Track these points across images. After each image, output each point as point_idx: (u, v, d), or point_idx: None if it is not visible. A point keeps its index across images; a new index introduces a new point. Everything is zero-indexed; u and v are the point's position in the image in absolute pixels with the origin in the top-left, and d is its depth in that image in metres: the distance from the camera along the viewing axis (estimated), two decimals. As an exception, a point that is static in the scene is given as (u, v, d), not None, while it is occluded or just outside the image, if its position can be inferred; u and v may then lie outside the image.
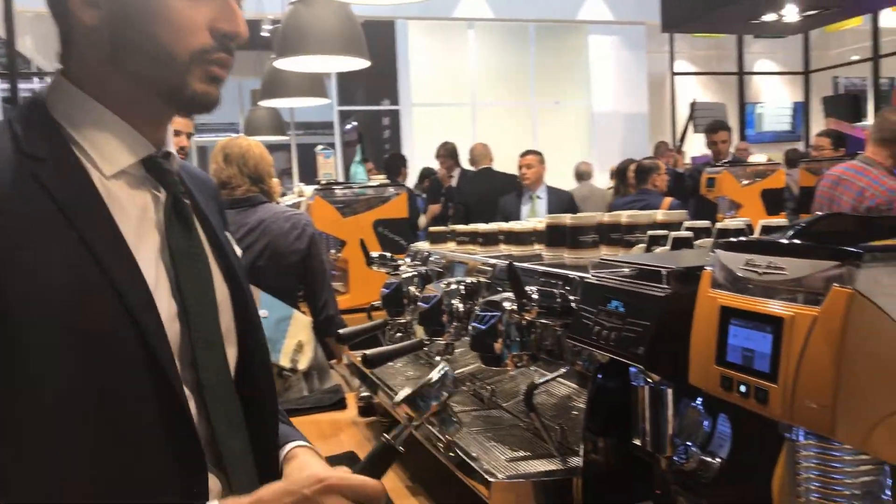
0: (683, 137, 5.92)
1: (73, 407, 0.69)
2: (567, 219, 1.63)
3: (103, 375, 0.69)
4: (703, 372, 0.79)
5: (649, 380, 0.97)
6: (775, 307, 0.70)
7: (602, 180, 8.23)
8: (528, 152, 5.13)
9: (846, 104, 8.69)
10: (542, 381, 1.19)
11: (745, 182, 4.34)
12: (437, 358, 0.93)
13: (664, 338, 0.88)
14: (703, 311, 0.80)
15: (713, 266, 0.81)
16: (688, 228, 1.33)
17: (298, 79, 3.60)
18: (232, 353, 0.84)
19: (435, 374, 1.03)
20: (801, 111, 10.30)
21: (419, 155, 8.75)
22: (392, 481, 1.55)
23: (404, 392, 1.04)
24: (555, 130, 9.94)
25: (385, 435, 1.00)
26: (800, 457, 0.74)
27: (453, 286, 1.55)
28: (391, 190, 3.10)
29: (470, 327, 1.29)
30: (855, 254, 0.64)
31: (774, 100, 10.83)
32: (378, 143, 11.30)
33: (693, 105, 7.02)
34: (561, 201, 4.83)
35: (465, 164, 6.21)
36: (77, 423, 0.69)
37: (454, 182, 6.12)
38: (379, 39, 8.79)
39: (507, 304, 1.25)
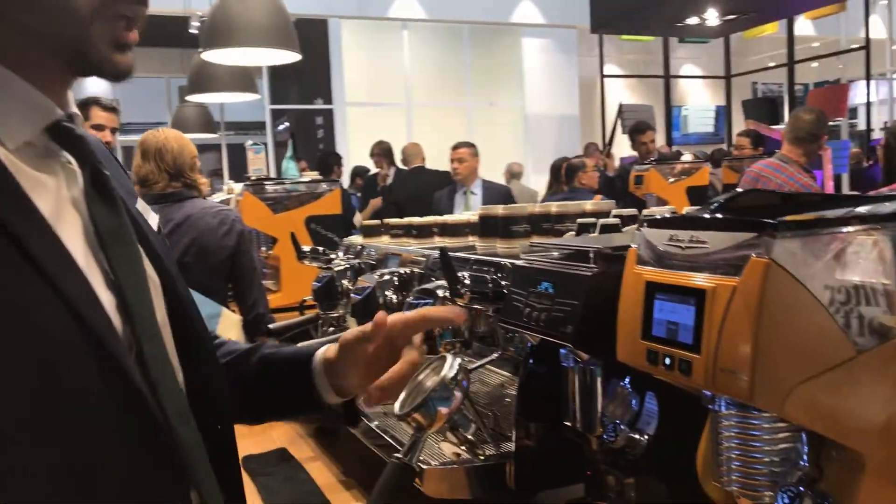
0: (612, 139, 6.07)
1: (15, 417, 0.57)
2: (499, 209, 1.64)
3: (52, 382, 0.58)
4: (630, 347, 0.80)
5: (578, 360, 0.98)
6: (697, 280, 0.72)
7: (536, 180, 8.35)
8: (459, 144, 4.78)
9: (764, 107, 9.08)
10: (473, 366, 1.19)
11: (672, 180, 4.48)
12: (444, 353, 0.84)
13: (592, 316, 0.89)
14: (629, 288, 0.81)
15: (638, 244, 0.82)
16: (615, 216, 1.36)
17: (227, 73, 3.52)
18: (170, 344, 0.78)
19: (448, 370, 0.85)
20: (723, 114, 10.71)
21: (354, 154, 8.69)
22: (324, 476, 1.52)
23: (409, 398, 0.86)
24: (489, 131, 10.03)
25: (396, 455, 0.89)
26: (721, 427, 0.76)
27: (386, 277, 1.53)
28: (324, 186, 3.06)
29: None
30: (772, 225, 0.66)
31: (698, 103, 11.23)
32: (311, 142, 11.15)
33: (621, 107, 7.22)
34: (498, 196, 4.56)
35: (400, 164, 6.20)
36: (33, 444, 0.58)
37: (389, 180, 6.10)
38: (312, 38, 8.68)
39: (440, 292, 1.25)
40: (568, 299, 0.92)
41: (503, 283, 1.17)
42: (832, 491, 0.72)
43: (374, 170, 6.63)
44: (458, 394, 0.85)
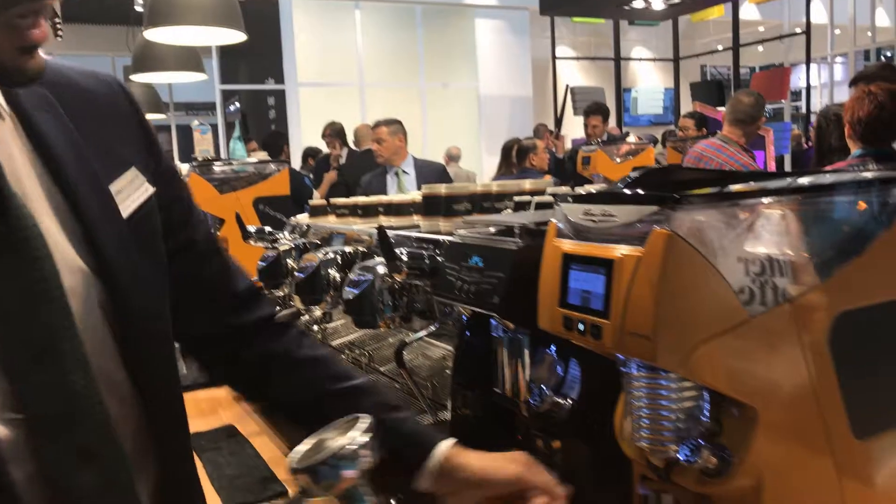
0: (560, 121, 6.13)
1: None
2: (442, 188, 1.68)
3: None
4: (549, 315, 0.85)
5: (506, 330, 1.03)
6: (608, 251, 0.77)
7: (489, 161, 8.41)
8: (378, 123, 4.30)
9: (711, 89, 9.28)
10: (411, 339, 1.23)
11: (618, 160, 4.58)
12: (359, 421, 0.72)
13: (517, 288, 0.94)
14: (548, 260, 0.86)
15: (558, 218, 0.87)
16: (550, 194, 1.41)
17: (172, 52, 3.46)
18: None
19: (358, 435, 0.70)
20: (672, 96, 10.92)
21: (306, 135, 8.61)
22: (269, 450, 1.55)
23: (309, 450, 0.70)
24: (443, 112, 10.05)
25: None
26: (632, 387, 0.82)
27: (330, 255, 1.56)
28: (272, 167, 3.05)
29: (344, 291, 1.32)
30: (673, 199, 0.72)
31: (649, 85, 11.41)
32: (263, 123, 11.01)
33: (570, 89, 7.29)
34: (432, 173, 4.22)
35: (352, 145, 6.18)
36: None
37: (342, 162, 6.07)
38: (263, 17, 8.54)
39: (380, 269, 1.28)
40: (495, 272, 0.97)
41: (439, 258, 1.21)
42: (730, 444, 0.79)
43: (326, 150, 6.59)
44: (362, 460, 0.69)
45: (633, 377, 0.82)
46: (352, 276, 1.31)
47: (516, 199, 1.42)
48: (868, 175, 0.84)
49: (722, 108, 8.41)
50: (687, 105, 9.86)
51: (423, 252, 1.22)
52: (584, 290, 0.80)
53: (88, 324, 0.69)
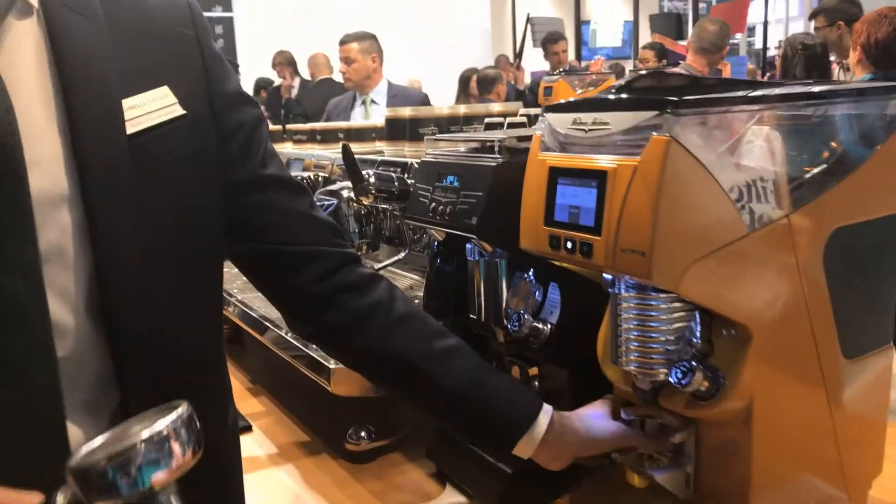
0: (521, 51, 5.96)
1: None
2: (406, 111, 1.60)
3: None
4: (533, 234, 0.80)
5: (483, 253, 0.98)
6: (599, 162, 0.71)
7: (447, 92, 8.22)
8: (347, 38, 3.53)
9: (670, 22, 9.17)
10: (379, 266, 1.17)
11: (580, 91, 4.49)
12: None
13: (496, 207, 0.89)
14: (532, 175, 0.80)
15: (542, 130, 0.81)
16: (523, 115, 1.34)
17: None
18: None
19: (163, 424, 0.47)
20: (631, 29, 10.79)
21: (258, 66, 8.26)
22: (233, 385, 1.49)
23: (92, 447, 0.47)
24: (400, 44, 9.73)
25: None
26: (621, 308, 0.78)
27: (289, 180, 1.48)
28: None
29: (306, 218, 1.24)
30: (672, 103, 0.66)
31: (607, 17, 11.24)
32: (211, 53, 10.51)
33: (529, 19, 7.10)
34: (410, 102, 3.38)
35: (306, 74, 5.95)
36: None
37: (294, 94, 5.86)
38: (206, -63, 8.05)
39: (344, 192, 1.21)
40: (472, 191, 0.90)
41: (409, 180, 1.14)
42: (721, 366, 0.75)
43: (278, 81, 6.35)
44: (164, 465, 0.47)
45: (622, 298, 0.78)
46: (314, 201, 1.23)
47: (487, 121, 1.35)
48: (867, 85, 0.80)
49: (682, 42, 8.38)
50: (646, 38, 9.75)
51: (392, 174, 1.15)
52: (573, 205, 0.74)
53: (52, 239, 0.62)
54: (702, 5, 10.22)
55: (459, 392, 0.83)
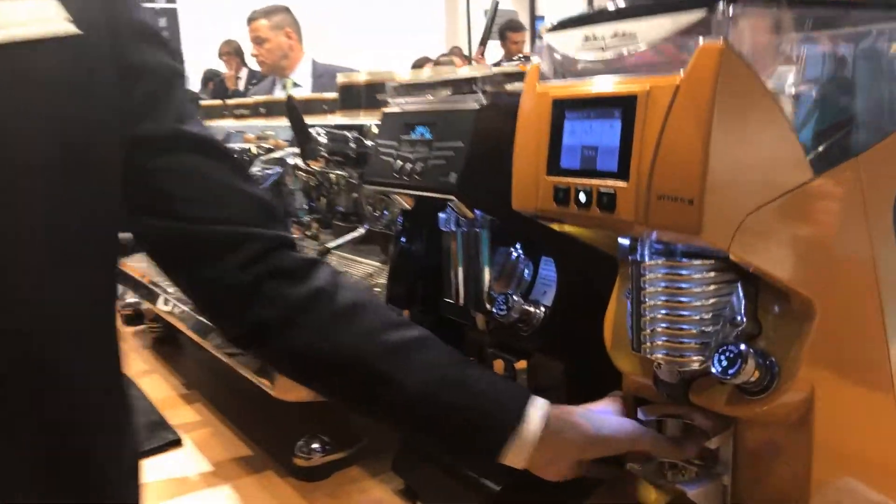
0: (487, 38, 5.78)
1: None
2: (362, 76, 1.41)
3: None
4: (531, 189, 0.62)
5: (462, 223, 0.80)
6: (624, 85, 0.54)
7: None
8: (255, 15, 3.02)
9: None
10: (333, 244, 0.99)
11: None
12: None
13: (479, 160, 0.71)
14: (529, 113, 0.63)
15: (539, 57, 0.64)
16: (501, 74, 1.17)
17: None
18: None
19: None
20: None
21: (205, 59, 7.93)
22: (161, 390, 1.29)
23: None
24: (351, 34, 9.50)
25: None
26: (645, 281, 0.61)
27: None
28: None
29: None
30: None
31: (563, 14, 11.19)
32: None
33: (495, 6, 6.96)
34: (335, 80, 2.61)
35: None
36: None
37: (241, 85, 5.58)
38: (146, -77, 7.69)
39: (289, 159, 1.02)
40: (449, 142, 0.72)
41: (368, 143, 0.96)
42: (772, 351, 0.59)
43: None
44: None
45: (647, 267, 0.61)
46: (254, 169, 1.04)
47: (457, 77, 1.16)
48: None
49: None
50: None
51: (348, 135, 0.96)
52: (588, 145, 0.57)
53: None
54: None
55: (426, 393, 0.65)
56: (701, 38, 0.49)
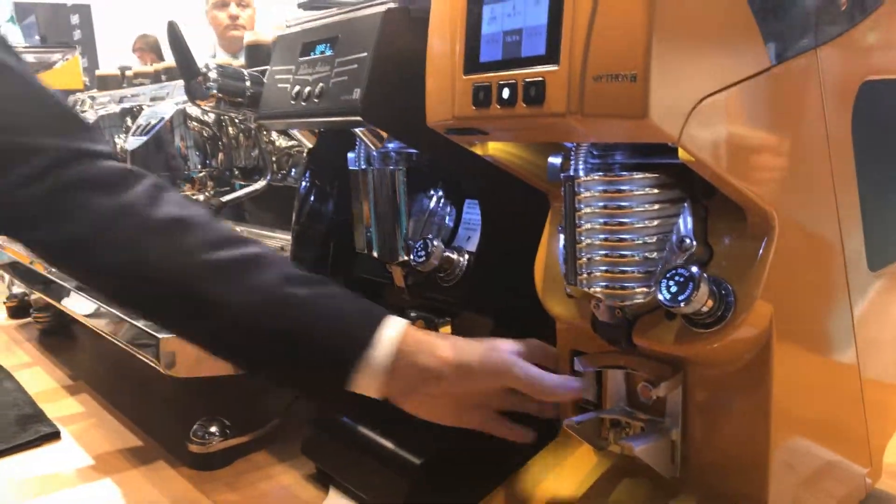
0: None
1: None
2: (269, 35, 1.29)
3: None
4: (447, 97, 0.52)
5: (373, 158, 0.70)
6: (551, -50, 0.45)
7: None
8: None
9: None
10: (228, 199, 0.87)
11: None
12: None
13: (387, 72, 0.61)
14: (442, 12, 0.53)
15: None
16: None
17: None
18: None
19: None
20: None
21: (121, 55, 7.57)
22: (42, 382, 1.13)
23: None
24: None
25: None
26: (580, 200, 0.52)
27: (113, 109, 1.13)
28: (56, 55, 2.45)
29: (128, 142, 0.91)
30: None
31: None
32: (70, 45, 9.63)
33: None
34: None
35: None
36: None
37: (159, 80, 5.32)
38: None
39: (175, 105, 0.89)
40: (352, 55, 0.62)
41: (265, 81, 0.84)
42: (725, 276, 0.51)
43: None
44: None
45: (582, 183, 0.52)
46: (140, 120, 0.91)
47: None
48: None
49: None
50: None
51: (242, 70, 0.85)
52: (511, 30, 0.47)
53: None
54: None
55: (256, 312, 0.56)
56: None
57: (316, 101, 0.64)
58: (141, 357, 0.81)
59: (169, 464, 0.85)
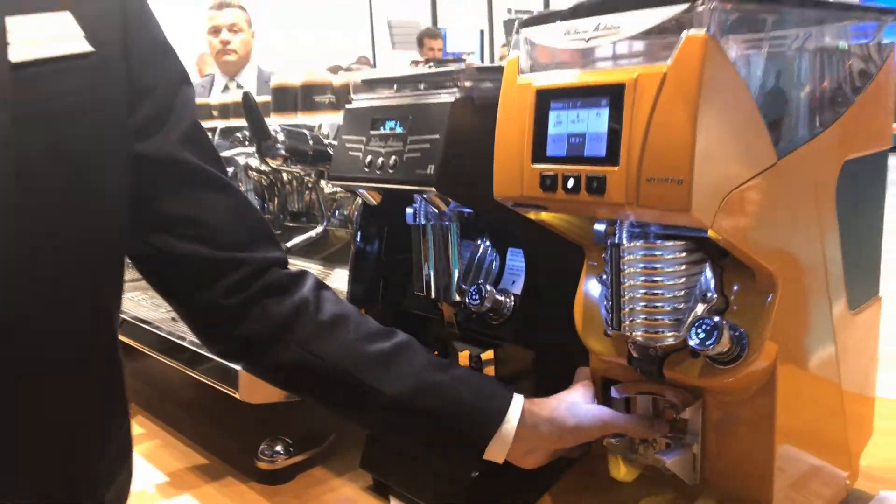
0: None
1: None
2: (296, 79, 1.40)
3: None
4: (515, 178, 0.65)
5: (430, 216, 0.81)
6: (611, 74, 0.57)
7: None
8: (231, 2, 2.78)
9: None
10: (291, 243, 0.98)
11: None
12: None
13: (456, 152, 0.73)
14: (510, 106, 0.65)
15: (517, 52, 0.66)
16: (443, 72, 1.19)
17: None
18: None
19: None
20: (486, 35, 11.01)
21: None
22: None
23: None
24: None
25: None
26: (624, 262, 0.64)
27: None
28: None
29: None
30: (706, -6, 0.53)
31: (463, 23, 11.40)
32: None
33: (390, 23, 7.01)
34: None
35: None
36: None
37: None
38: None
39: (241, 159, 1.00)
40: (424, 135, 0.74)
41: (325, 140, 0.96)
42: (740, 321, 0.64)
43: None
44: None
45: (626, 249, 0.64)
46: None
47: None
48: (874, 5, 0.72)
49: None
50: (501, 42, 9.97)
51: (305, 132, 0.96)
52: (575, 133, 0.60)
53: None
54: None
55: (409, 399, 0.68)
56: (685, 31, 0.53)
57: (390, 171, 0.76)
58: (218, 386, 0.92)
59: (238, 480, 0.96)
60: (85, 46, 0.52)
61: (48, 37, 0.50)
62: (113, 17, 0.55)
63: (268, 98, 1.37)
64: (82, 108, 0.53)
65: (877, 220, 0.79)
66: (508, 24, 9.82)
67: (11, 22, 0.48)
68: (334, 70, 5.04)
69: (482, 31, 11.27)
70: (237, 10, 2.81)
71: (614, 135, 0.57)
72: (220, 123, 1.59)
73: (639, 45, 0.57)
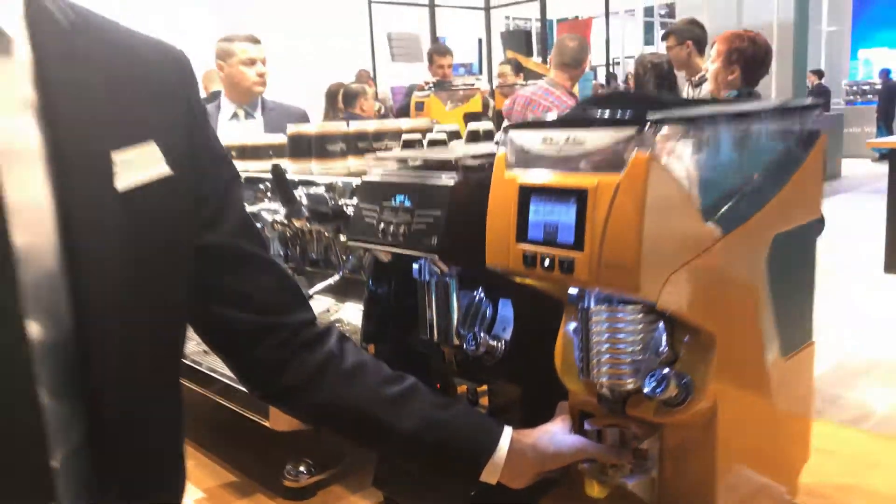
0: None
1: None
2: (311, 128, 1.54)
3: None
4: (503, 252, 0.79)
5: (433, 272, 0.96)
6: (578, 180, 0.72)
7: (311, 107, 8.05)
8: (256, 38, 2.99)
9: (520, 39, 9.60)
10: (313, 290, 1.12)
11: (450, 106, 4.58)
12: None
13: (455, 226, 0.87)
14: (499, 193, 0.80)
15: (505, 149, 0.81)
16: (445, 132, 1.34)
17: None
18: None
19: None
20: (483, 45, 11.17)
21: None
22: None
23: None
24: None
25: None
26: (591, 323, 0.79)
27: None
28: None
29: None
30: (653, 121, 0.68)
31: (461, 34, 11.56)
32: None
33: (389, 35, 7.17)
34: (291, 120, 2.60)
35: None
36: None
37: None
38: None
39: (266, 215, 1.15)
40: (428, 210, 0.89)
41: (341, 201, 1.10)
42: (689, 371, 0.79)
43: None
44: None
45: (593, 312, 0.79)
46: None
47: (406, 136, 1.33)
48: (799, 102, 0.87)
49: (531, 57, 8.78)
50: (498, 54, 10.13)
51: (325, 195, 1.10)
52: (550, 222, 0.74)
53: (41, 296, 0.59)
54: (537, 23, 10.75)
55: (419, 433, 0.84)
56: (635, 149, 0.68)
57: (400, 238, 0.91)
58: (249, 415, 1.06)
59: (267, 496, 1.10)
60: (166, 169, 0.67)
61: (142, 165, 0.65)
62: (182, 141, 0.69)
63: (275, 140, 1.50)
64: (166, 219, 0.67)
65: (807, 278, 0.94)
66: (505, 36, 9.99)
67: (115, 156, 0.63)
68: (336, 87, 5.19)
69: (480, 41, 11.43)
70: (259, 45, 2.99)
71: (580, 227, 0.71)
72: (239, 165, 1.73)
73: (603, 155, 0.72)
